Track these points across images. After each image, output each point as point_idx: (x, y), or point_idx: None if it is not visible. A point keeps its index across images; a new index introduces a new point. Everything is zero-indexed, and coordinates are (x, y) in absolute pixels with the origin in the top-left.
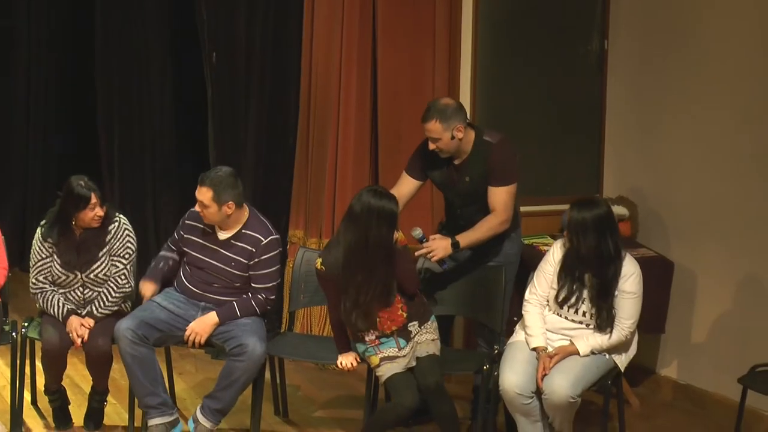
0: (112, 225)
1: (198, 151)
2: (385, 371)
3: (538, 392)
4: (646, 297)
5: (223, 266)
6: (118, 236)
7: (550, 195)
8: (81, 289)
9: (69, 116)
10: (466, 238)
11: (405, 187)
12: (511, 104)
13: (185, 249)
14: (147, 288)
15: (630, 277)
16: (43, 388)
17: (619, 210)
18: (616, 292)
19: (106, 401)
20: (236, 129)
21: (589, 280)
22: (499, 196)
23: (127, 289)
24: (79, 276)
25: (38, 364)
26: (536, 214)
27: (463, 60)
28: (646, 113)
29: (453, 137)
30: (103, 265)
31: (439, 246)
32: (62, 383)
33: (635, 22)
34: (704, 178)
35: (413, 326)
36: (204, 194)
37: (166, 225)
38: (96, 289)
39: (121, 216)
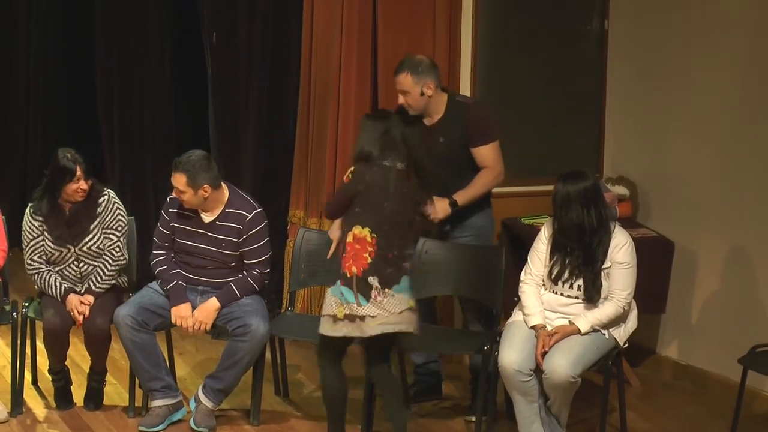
0: (102, 198)
1: (199, 133)
2: (327, 329)
3: (537, 372)
4: (647, 277)
5: (213, 249)
6: (109, 209)
7: (550, 175)
8: (76, 263)
9: (69, 97)
10: (462, 196)
11: None
12: (511, 84)
13: (175, 238)
14: (183, 310)
15: (622, 248)
16: (46, 369)
17: (619, 190)
18: (609, 264)
19: (105, 381)
20: (236, 109)
21: (572, 251)
22: (487, 153)
23: (122, 262)
24: (73, 250)
25: (39, 344)
26: (536, 194)
27: (463, 41)
28: (646, 93)
29: (422, 93)
30: (96, 237)
31: (438, 207)
32: (65, 363)
33: (636, 2)
34: (705, 158)
35: (373, 281)
36: (178, 180)
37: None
38: (91, 262)
39: (110, 190)
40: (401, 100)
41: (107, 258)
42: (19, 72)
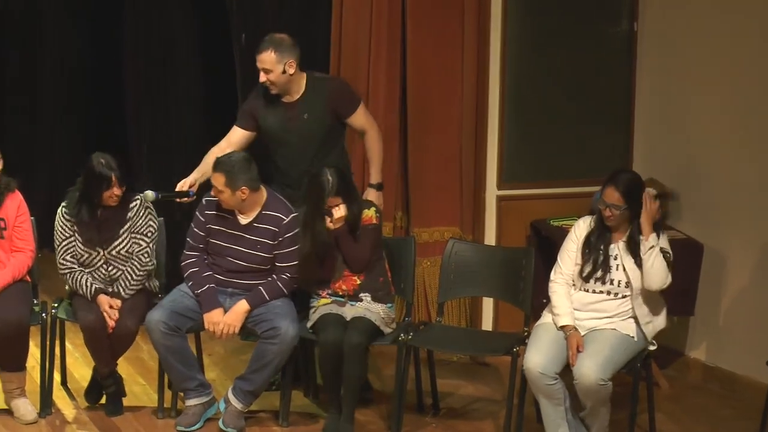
0: (133, 203)
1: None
2: (321, 309)
3: (567, 375)
4: (676, 279)
5: (248, 251)
6: (140, 214)
7: (579, 177)
8: (105, 266)
9: (97, 98)
10: (377, 173)
11: (234, 136)
12: (540, 85)
13: (209, 239)
14: (215, 316)
15: (661, 237)
16: (94, 374)
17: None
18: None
19: (118, 382)
20: None
21: (620, 242)
22: (361, 117)
23: (150, 267)
24: (102, 253)
25: (68, 345)
26: (565, 196)
27: (492, 44)
28: (675, 95)
29: (285, 71)
30: (125, 242)
31: (380, 201)
32: (116, 369)
33: (665, 3)
34: (733, 160)
35: (366, 297)
36: (217, 180)
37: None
38: (119, 266)
39: (141, 195)
40: (263, 78)
41: (135, 263)
42: (47, 72)
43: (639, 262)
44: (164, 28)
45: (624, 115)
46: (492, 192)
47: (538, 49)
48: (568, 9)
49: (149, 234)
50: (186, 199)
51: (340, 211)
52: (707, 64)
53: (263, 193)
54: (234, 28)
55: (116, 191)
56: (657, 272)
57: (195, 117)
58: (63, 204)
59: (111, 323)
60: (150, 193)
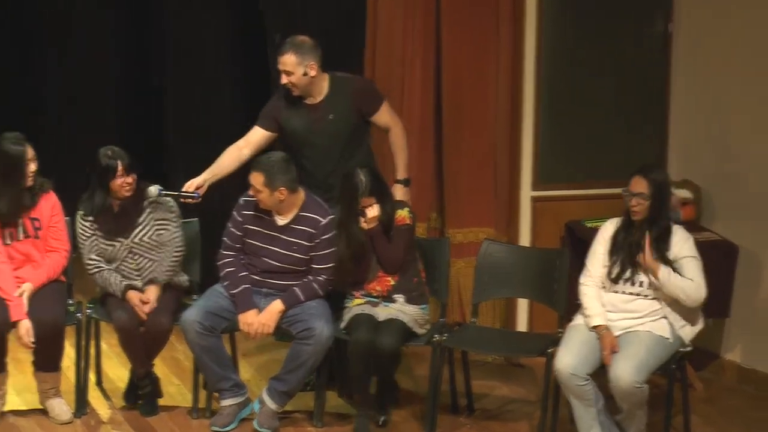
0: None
1: None
2: (353, 309)
3: (600, 376)
4: (710, 281)
5: (285, 252)
6: (159, 201)
7: (614, 178)
8: (131, 257)
9: (133, 103)
10: (403, 169)
11: (253, 136)
12: (574, 85)
13: (246, 239)
14: (250, 317)
15: (686, 242)
16: (131, 375)
17: (683, 193)
18: (674, 259)
19: (154, 383)
20: None
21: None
22: (386, 114)
23: (182, 251)
24: (125, 243)
25: (103, 346)
26: (600, 197)
27: (527, 45)
28: (710, 96)
29: (305, 74)
30: (147, 229)
31: (407, 197)
32: (152, 370)
33: (701, 3)
34: None
35: (399, 298)
36: (255, 179)
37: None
38: (146, 255)
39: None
40: (284, 80)
41: (168, 248)
42: (79, 74)
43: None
44: (198, 29)
45: (659, 115)
46: (526, 193)
47: (572, 49)
48: (602, 9)
49: (174, 219)
50: (190, 200)
51: (373, 211)
52: (742, 64)
53: (301, 194)
54: (268, 28)
55: (127, 179)
56: (687, 296)
57: (229, 117)
58: (79, 208)
59: (143, 316)
60: (153, 188)
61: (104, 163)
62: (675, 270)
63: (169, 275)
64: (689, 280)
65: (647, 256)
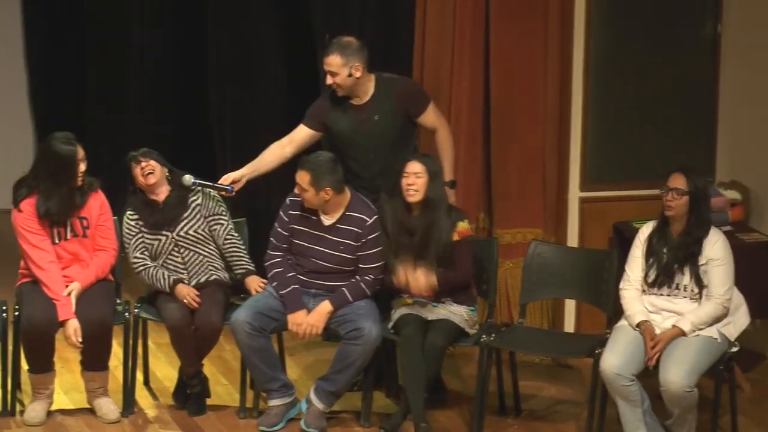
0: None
1: None
2: (401, 309)
3: (647, 377)
4: (758, 281)
5: (331, 252)
6: (207, 196)
7: (662, 179)
8: (176, 251)
9: (181, 99)
10: (450, 170)
11: (298, 134)
12: (623, 87)
13: (293, 239)
14: (299, 317)
15: (715, 244)
16: (181, 374)
17: (731, 194)
18: (704, 261)
19: (203, 383)
20: None
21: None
22: (432, 115)
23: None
24: (170, 236)
25: (151, 345)
26: (649, 198)
27: (575, 48)
28: (759, 97)
29: (350, 74)
30: (195, 222)
31: (453, 198)
32: (202, 369)
33: (749, 5)
34: None
35: (447, 299)
36: (302, 178)
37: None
38: (192, 249)
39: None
40: (329, 80)
41: (234, 242)
42: (132, 74)
43: (696, 269)
44: (248, 30)
45: (708, 116)
46: (575, 194)
47: (621, 50)
48: (651, 10)
49: (224, 212)
50: (224, 193)
51: (421, 279)
52: None
53: (347, 194)
54: (317, 29)
55: (144, 166)
56: (717, 318)
57: (279, 117)
58: (127, 208)
59: (195, 305)
60: (187, 177)
61: (126, 165)
62: (703, 270)
63: (251, 266)
64: (708, 303)
65: (657, 350)
